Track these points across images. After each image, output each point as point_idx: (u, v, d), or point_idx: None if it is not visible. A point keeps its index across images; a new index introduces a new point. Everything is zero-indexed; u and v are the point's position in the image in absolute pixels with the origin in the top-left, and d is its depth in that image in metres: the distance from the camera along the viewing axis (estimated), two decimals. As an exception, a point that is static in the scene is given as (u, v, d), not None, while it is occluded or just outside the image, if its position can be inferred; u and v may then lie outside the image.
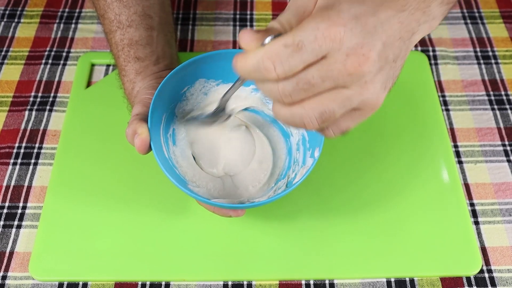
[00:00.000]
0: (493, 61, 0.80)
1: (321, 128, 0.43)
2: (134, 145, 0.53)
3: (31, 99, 0.74)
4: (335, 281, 0.60)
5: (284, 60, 0.38)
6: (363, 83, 0.39)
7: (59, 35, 0.82)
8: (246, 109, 0.63)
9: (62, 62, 0.79)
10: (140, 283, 0.60)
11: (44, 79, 0.77)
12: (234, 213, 0.56)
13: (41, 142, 0.70)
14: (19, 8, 0.85)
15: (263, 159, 0.62)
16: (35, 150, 0.70)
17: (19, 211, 0.65)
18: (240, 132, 0.63)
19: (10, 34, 0.82)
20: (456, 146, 0.71)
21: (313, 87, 0.39)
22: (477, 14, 0.86)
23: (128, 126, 0.54)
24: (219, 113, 0.56)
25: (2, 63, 0.78)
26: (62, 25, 0.83)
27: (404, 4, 0.41)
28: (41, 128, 0.72)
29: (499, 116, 0.74)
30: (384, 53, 0.40)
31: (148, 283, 0.60)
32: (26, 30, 0.83)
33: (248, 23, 0.84)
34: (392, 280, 0.60)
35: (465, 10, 0.86)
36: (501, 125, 0.73)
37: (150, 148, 0.53)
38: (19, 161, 0.68)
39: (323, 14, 0.38)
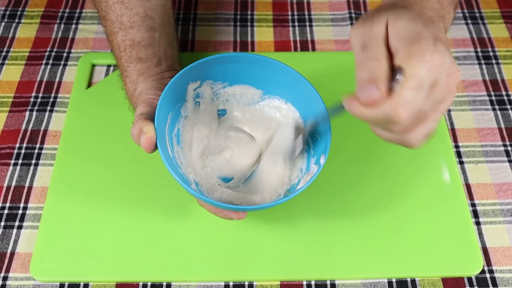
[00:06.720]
0: (494, 61, 0.80)
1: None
2: (140, 144, 0.52)
3: (32, 99, 0.74)
4: (337, 282, 0.60)
5: (413, 102, 0.40)
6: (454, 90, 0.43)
7: (59, 35, 0.82)
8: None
9: (62, 62, 0.79)
10: (141, 283, 0.60)
11: (45, 79, 0.77)
12: (235, 215, 0.55)
13: (42, 142, 0.70)
14: (20, 9, 0.85)
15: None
16: (36, 151, 0.69)
17: (20, 211, 0.64)
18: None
19: (10, 35, 0.82)
20: (457, 147, 0.70)
21: (424, 114, 0.42)
22: (477, 14, 0.85)
23: (133, 125, 0.53)
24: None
25: (3, 64, 0.78)
26: (62, 26, 0.83)
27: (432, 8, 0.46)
28: (42, 128, 0.71)
29: (500, 116, 0.73)
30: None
31: (149, 283, 0.59)
32: (27, 31, 0.82)
33: (249, 23, 0.84)
34: (394, 280, 0.60)
35: (465, 10, 0.86)
36: (502, 125, 0.73)
37: (156, 147, 0.52)
38: (19, 161, 0.68)
39: (419, 45, 0.40)
